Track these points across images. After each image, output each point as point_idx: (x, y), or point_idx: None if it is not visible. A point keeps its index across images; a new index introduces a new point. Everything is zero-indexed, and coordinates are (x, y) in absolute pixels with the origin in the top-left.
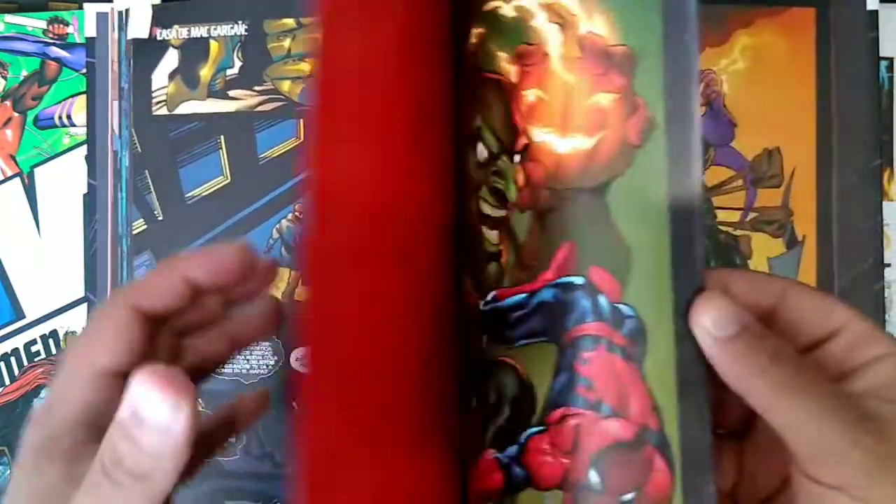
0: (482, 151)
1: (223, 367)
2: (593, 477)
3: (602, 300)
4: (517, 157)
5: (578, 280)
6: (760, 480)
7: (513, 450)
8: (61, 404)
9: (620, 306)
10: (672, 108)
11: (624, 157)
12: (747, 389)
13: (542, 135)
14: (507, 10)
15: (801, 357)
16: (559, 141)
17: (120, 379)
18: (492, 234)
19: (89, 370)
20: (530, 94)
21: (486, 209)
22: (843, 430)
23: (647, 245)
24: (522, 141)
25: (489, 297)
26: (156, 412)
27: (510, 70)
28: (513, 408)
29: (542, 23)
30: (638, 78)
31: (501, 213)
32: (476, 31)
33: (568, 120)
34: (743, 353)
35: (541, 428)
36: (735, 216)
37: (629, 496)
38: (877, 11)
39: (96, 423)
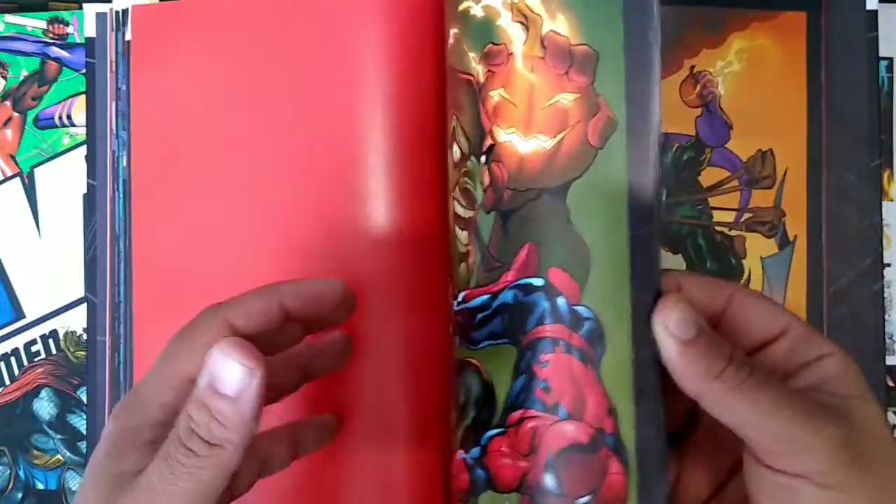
0: (456, 152)
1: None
2: (549, 480)
3: (561, 302)
4: (483, 158)
5: (538, 282)
6: (699, 482)
7: (476, 451)
8: (146, 403)
9: (579, 308)
10: (632, 108)
11: (584, 158)
12: (704, 391)
13: (505, 135)
14: (477, 10)
15: (752, 358)
16: (522, 141)
17: None
18: (462, 235)
19: (177, 377)
20: (495, 95)
21: (459, 209)
22: (804, 421)
23: (606, 246)
24: (488, 141)
25: (459, 297)
26: (230, 376)
27: (479, 70)
28: (477, 409)
29: (507, 22)
30: (599, 78)
31: (470, 213)
32: (453, 32)
33: (530, 120)
34: (701, 355)
35: (500, 430)
36: (730, 216)
37: (585, 499)
38: (876, 11)
39: (172, 425)
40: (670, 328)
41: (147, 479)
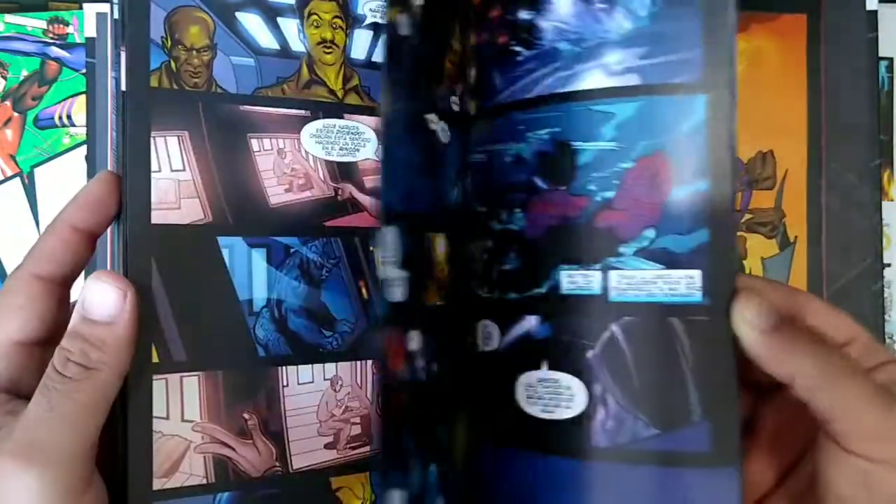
0: None
1: None
2: None
3: None
4: None
5: None
6: (764, 471)
7: None
8: None
9: None
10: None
11: None
12: (795, 372)
13: None
14: None
15: (838, 348)
16: None
17: (37, 347)
18: None
19: (2, 345)
20: None
21: None
22: (891, 411)
23: None
24: None
25: None
26: (104, 302)
27: None
28: None
29: None
30: None
31: None
32: None
33: None
34: (789, 339)
35: None
36: None
37: None
38: (876, 11)
39: (15, 391)
40: (750, 319)
41: (26, 414)
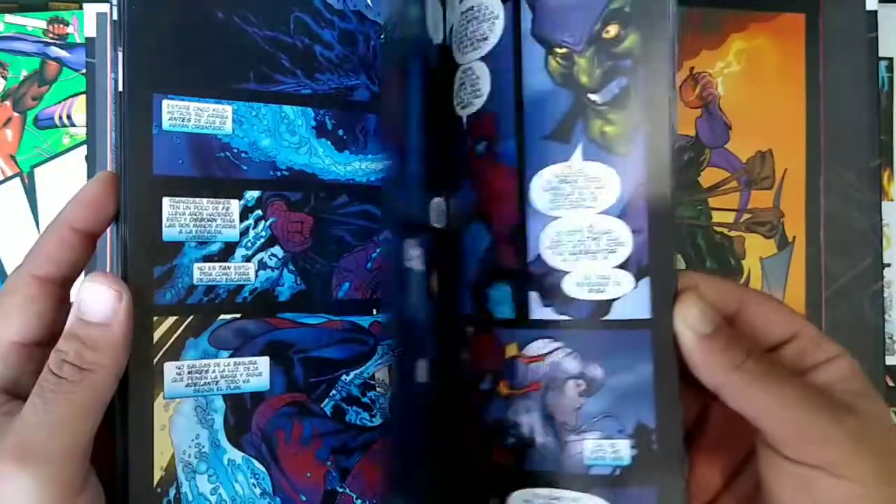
0: None
1: None
2: None
3: None
4: None
5: None
6: (712, 475)
7: None
8: None
9: None
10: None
11: None
12: (723, 383)
13: None
14: None
15: (769, 354)
16: None
17: (36, 348)
18: None
19: (1, 345)
20: None
21: None
22: (824, 414)
23: None
24: None
25: None
26: (99, 303)
27: None
28: None
29: None
30: None
31: None
32: None
33: None
34: (721, 348)
35: None
36: (730, 217)
37: None
38: (876, 11)
39: (14, 391)
40: (690, 322)
41: (21, 415)
